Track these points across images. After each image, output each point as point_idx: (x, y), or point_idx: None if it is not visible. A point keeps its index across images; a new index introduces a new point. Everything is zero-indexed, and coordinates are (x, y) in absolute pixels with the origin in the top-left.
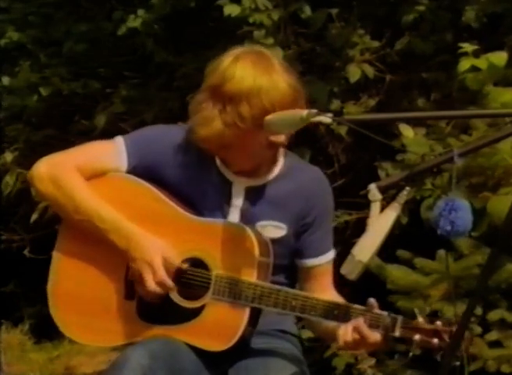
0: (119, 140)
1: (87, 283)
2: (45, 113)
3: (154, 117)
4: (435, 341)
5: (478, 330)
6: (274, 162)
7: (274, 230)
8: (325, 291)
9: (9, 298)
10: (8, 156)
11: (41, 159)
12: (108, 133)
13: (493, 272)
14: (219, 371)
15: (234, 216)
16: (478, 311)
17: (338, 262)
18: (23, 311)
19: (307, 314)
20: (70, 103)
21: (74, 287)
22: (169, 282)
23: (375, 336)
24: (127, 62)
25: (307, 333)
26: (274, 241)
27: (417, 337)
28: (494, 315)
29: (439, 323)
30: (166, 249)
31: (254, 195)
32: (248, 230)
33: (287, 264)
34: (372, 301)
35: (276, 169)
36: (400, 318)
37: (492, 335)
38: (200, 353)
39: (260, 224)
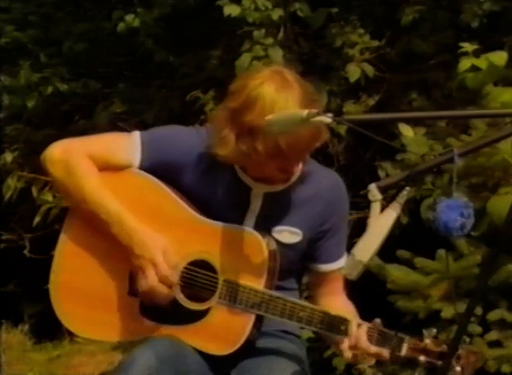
0: (136, 135)
1: (91, 275)
2: (45, 113)
3: (154, 117)
4: (440, 363)
5: (478, 330)
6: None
7: (290, 235)
8: (336, 296)
9: (9, 298)
10: (8, 156)
11: (57, 142)
12: None
13: (493, 272)
14: (223, 373)
15: (251, 220)
16: (478, 311)
17: None
18: (23, 311)
19: (314, 327)
20: (70, 103)
21: (77, 278)
22: (173, 277)
23: (383, 353)
24: (127, 62)
25: (307, 334)
26: (288, 246)
27: (422, 357)
28: (494, 315)
29: (445, 346)
30: (167, 247)
31: (272, 201)
32: (258, 236)
33: (297, 269)
34: (378, 320)
35: (295, 175)
36: (406, 338)
37: (492, 335)
38: (204, 355)
39: (276, 229)
